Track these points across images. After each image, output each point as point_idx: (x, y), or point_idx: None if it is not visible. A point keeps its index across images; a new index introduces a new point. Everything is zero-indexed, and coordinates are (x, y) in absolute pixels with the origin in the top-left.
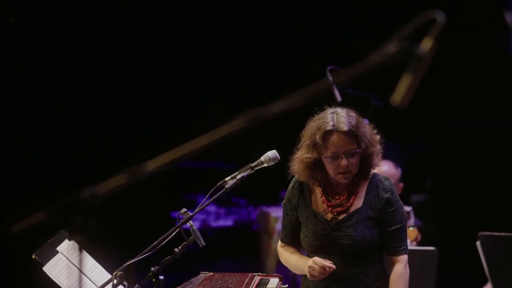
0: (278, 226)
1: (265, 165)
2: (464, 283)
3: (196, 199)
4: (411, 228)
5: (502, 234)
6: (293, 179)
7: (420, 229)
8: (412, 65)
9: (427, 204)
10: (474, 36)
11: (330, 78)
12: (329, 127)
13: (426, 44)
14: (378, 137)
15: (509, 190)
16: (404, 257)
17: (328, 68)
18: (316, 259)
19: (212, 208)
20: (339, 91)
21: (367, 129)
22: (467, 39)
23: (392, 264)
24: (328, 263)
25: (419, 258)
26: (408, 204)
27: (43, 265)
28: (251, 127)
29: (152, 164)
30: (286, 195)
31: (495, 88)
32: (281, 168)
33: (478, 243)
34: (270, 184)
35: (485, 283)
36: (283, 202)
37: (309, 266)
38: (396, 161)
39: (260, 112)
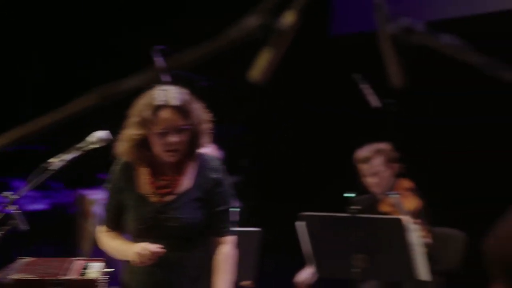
0: (95, 209)
1: (97, 145)
2: (284, 263)
3: (9, 183)
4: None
5: (324, 214)
6: (118, 160)
7: (241, 210)
8: (273, 40)
9: (245, 185)
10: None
11: (159, 59)
12: (160, 102)
13: (288, 18)
14: (208, 116)
15: (326, 170)
16: (231, 238)
17: (156, 47)
18: (145, 244)
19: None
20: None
21: (198, 106)
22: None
23: (218, 246)
24: (158, 249)
25: (243, 239)
26: None
27: None
28: (102, 104)
29: None
30: (110, 177)
31: (314, 71)
32: (99, 150)
33: (299, 223)
34: (88, 167)
35: (304, 263)
36: (107, 185)
37: (138, 252)
38: (216, 143)
39: (110, 88)
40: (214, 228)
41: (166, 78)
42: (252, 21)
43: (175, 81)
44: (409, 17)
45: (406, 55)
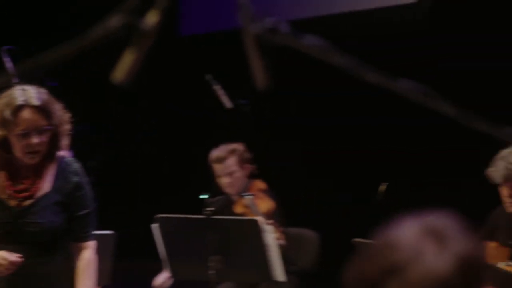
0: None
1: None
2: (143, 267)
3: None
4: None
5: (178, 216)
6: None
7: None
8: (135, 40)
9: (97, 187)
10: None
11: (7, 59)
12: (19, 102)
13: (151, 18)
14: (68, 116)
15: (185, 172)
16: (92, 243)
17: (3, 48)
18: (4, 254)
19: None
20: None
21: (58, 107)
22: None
23: (79, 251)
24: (16, 258)
25: (97, 243)
26: None
27: None
28: None
29: None
30: None
31: (172, 72)
32: None
33: (154, 225)
34: None
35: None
36: None
37: None
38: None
39: None
40: (75, 233)
41: (15, 79)
42: (115, 21)
43: (24, 81)
44: (273, 16)
45: (270, 56)
